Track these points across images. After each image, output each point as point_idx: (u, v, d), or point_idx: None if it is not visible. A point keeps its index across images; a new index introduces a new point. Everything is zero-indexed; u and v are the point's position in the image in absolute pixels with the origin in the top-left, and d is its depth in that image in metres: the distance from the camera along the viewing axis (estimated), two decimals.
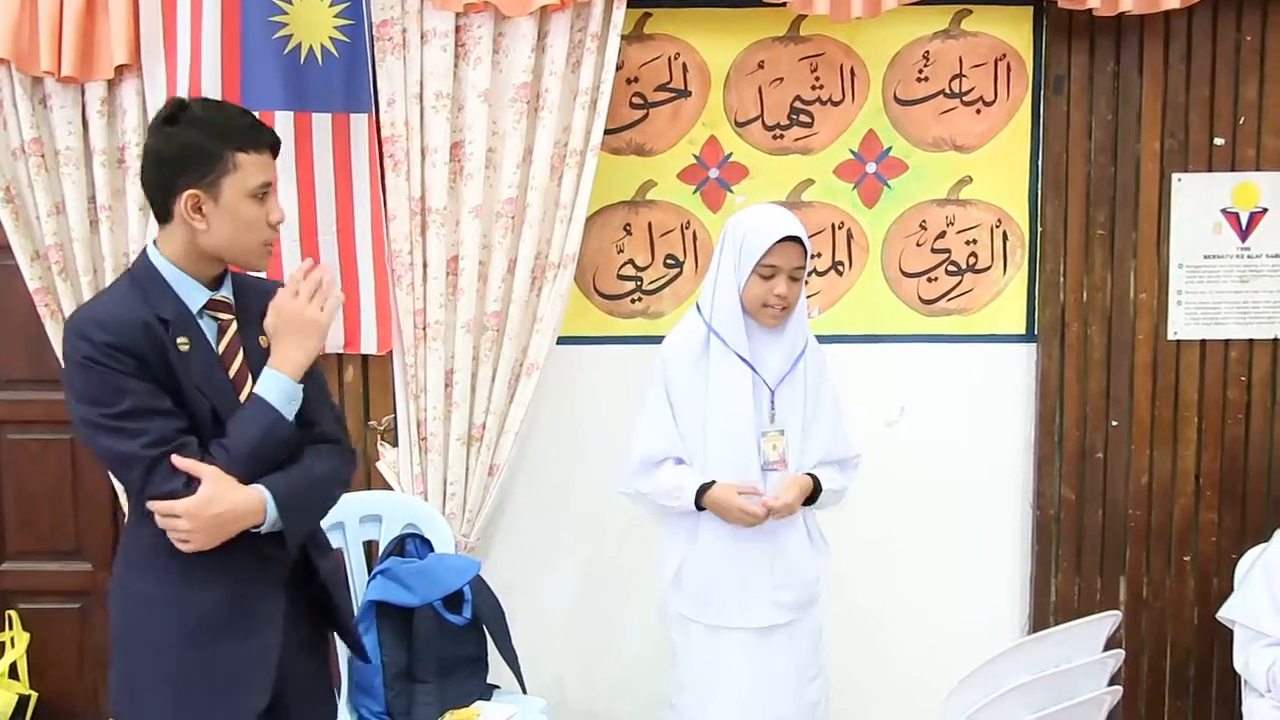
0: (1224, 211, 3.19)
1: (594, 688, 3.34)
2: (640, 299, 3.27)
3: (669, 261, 3.26)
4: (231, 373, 1.96)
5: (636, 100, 3.20)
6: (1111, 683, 2.28)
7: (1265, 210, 3.18)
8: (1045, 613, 3.26)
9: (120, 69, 2.96)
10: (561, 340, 3.16)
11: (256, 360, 1.98)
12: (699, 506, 2.50)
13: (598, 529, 3.29)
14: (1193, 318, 3.21)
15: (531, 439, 3.23)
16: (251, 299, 2.03)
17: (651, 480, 2.55)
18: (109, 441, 1.86)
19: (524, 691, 2.89)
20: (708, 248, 3.22)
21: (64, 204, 3.04)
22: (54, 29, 2.91)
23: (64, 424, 3.21)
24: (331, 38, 2.94)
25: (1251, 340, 3.21)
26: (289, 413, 1.93)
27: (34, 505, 3.30)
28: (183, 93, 2.91)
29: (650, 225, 3.25)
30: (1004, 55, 3.19)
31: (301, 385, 1.95)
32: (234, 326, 1.99)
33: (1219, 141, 3.17)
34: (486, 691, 2.87)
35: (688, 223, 3.24)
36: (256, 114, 2.06)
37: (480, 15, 2.97)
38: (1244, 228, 3.20)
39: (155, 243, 1.98)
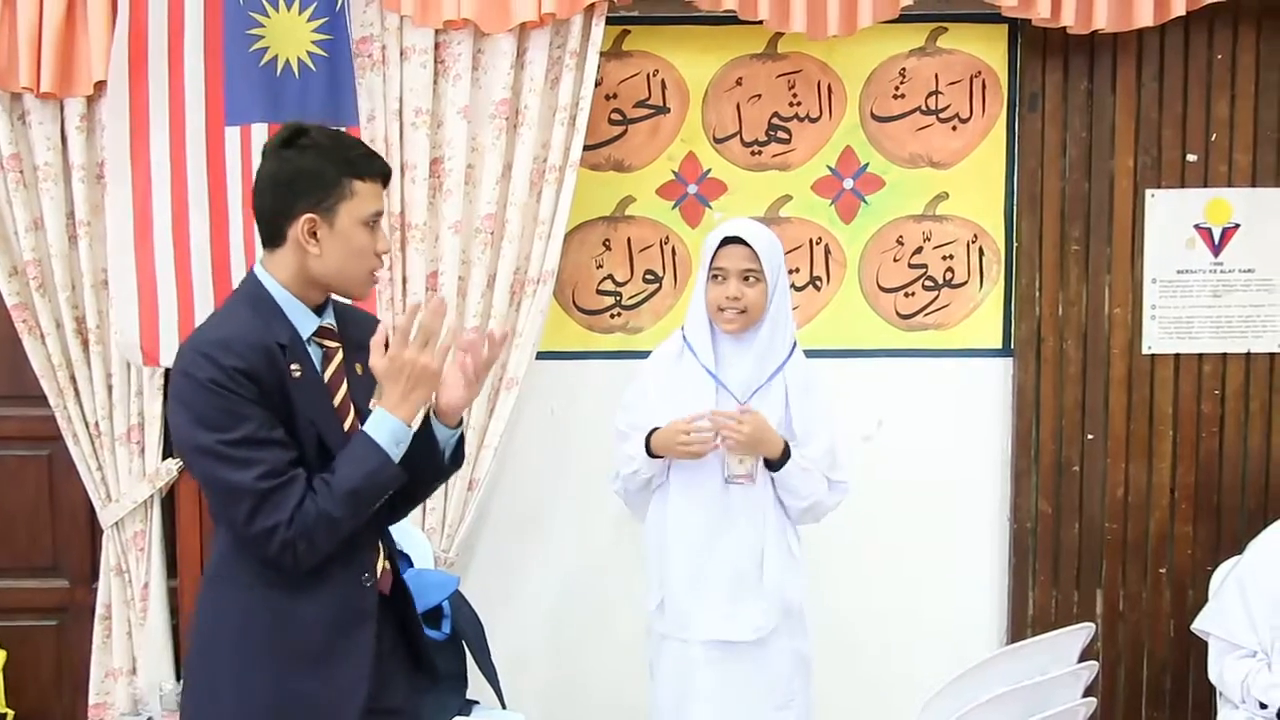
0: (1197, 227, 3.23)
1: (573, 703, 3.33)
2: (619, 314, 3.29)
3: (648, 277, 3.27)
4: (336, 401, 1.94)
5: (615, 116, 3.22)
6: (1087, 694, 2.29)
7: (1237, 226, 3.22)
8: (1022, 625, 3.27)
9: (100, 85, 2.96)
10: (541, 355, 3.17)
11: (358, 390, 1.97)
12: (652, 455, 2.53)
13: (577, 544, 3.30)
14: (1166, 332, 3.24)
15: (511, 454, 3.23)
16: (351, 328, 2.01)
17: (618, 460, 2.61)
18: (222, 470, 1.81)
19: (503, 707, 2.89)
20: (686, 263, 3.24)
21: (42, 219, 3.04)
22: (33, 45, 2.91)
23: (42, 440, 3.21)
24: (310, 52, 2.94)
25: (1225, 354, 3.24)
26: (396, 455, 1.87)
27: (11, 522, 3.28)
28: (161, 105, 2.91)
29: (629, 241, 3.26)
30: (979, 73, 3.23)
31: (412, 430, 1.90)
32: (340, 355, 1.96)
33: (1191, 158, 3.21)
34: (466, 707, 2.86)
35: (667, 238, 3.26)
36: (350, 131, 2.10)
37: (460, 32, 2.99)
38: (1216, 243, 3.23)
39: (262, 265, 1.94)
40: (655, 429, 2.53)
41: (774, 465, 2.53)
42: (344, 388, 1.96)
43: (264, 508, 1.81)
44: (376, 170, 1.94)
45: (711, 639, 2.54)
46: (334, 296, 2.00)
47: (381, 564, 2.01)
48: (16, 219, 3.03)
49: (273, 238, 1.92)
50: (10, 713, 3.21)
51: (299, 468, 1.85)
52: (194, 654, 1.99)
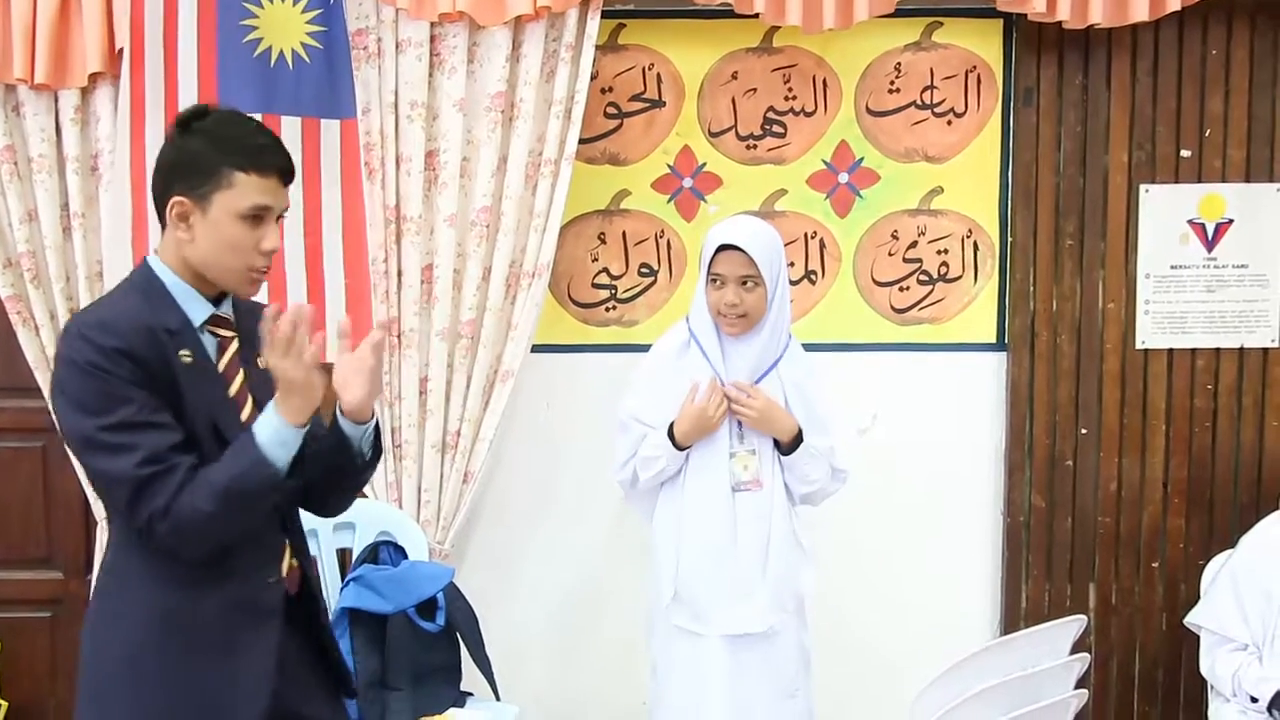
0: (1190, 222, 3.23)
1: (568, 695, 3.34)
2: (614, 307, 3.29)
3: (643, 270, 3.28)
4: (232, 391, 1.90)
5: (611, 110, 3.22)
6: (1078, 686, 2.30)
7: (1231, 221, 3.23)
8: (1015, 619, 3.28)
9: (94, 77, 2.95)
10: (536, 348, 3.18)
11: (257, 382, 1.91)
12: (680, 447, 2.54)
13: (572, 536, 3.30)
14: (1160, 327, 3.25)
15: (506, 447, 3.24)
16: (246, 319, 1.95)
17: (635, 459, 2.59)
18: (101, 458, 1.77)
19: (497, 699, 2.90)
20: (682, 257, 3.24)
21: (37, 211, 3.03)
22: (27, 36, 2.91)
23: (36, 431, 3.20)
24: (303, 43, 2.94)
25: (1218, 349, 3.25)
26: (279, 458, 1.78)
27: (5, 513, 3.28)
28: (157, 97, 2.91)
29: (624, 234, 3.26)
30: (974, 67, 3.23)
31: (304, 430, 1.81)
32: (234, 345, 1.92)
33: (1186, 153, 3.21)
34: (460, 699, 2.86)
35: (662, 232, 3.26)
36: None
37: (455, 25, 2.99)
38: (1210, 238, 3.24)
39: (156, 252, 1.92)
40: (673, 423, 2.54)
41: (786, 449, 2.56)
42: (240, 377, 1.91)
43: (143, 495, 1.75)
44: (266, 164, 1.85)
45: (727, 633, 2.55)
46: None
47: (288, 563, 1.96)
48: (10, 211, 3.03)
49: (161, 220, 1.89)
50: (5, 704, 3.21)
51: (186, 454, 1.79)
52: (82, 663, 1.90)
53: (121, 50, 2.93)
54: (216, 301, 1.91)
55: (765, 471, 2.57)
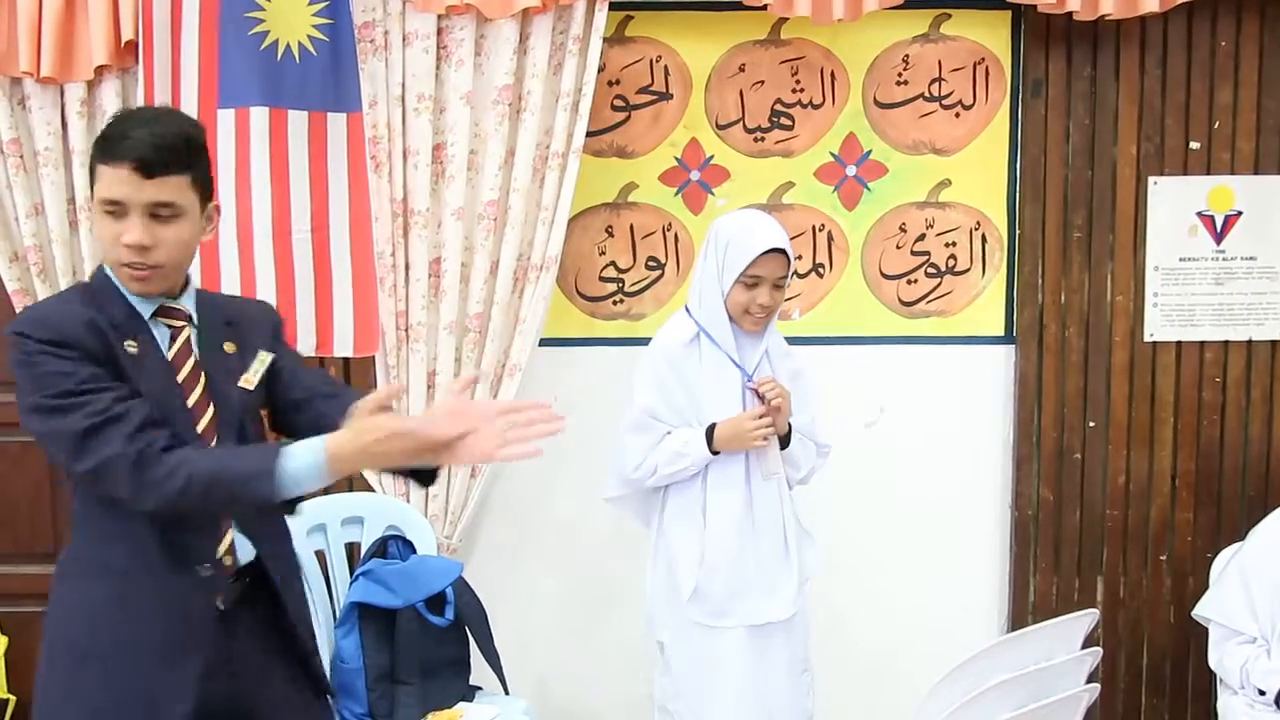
0: (1199, 214, 3.23)
1: (576, 688, 3.34)
2: (622, 301, 3.28)
3: (650, 263, 3.27)
4: (180, 377, 1.89)
5: (618, 103, 3.21)
6: (1089, 680, 2.30)
7: (1240, 213, 3.22)
8: (1023, 612, 3.28)
9: (100, 70, 2.94)
10: (543, 342, 3.17)
11: (217, 367, 1.93)
12: (713, 452, 2.53)
13: (580, 530, 3.30)
14: (1169, 320, 3.24)
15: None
16: (209, 312, 1.97)
17: (655, 454, 2.57)
18: (48, 424, 1.77)
19: (506, 692, 2.90)
20: (689, 250, 3.23)
21: (43, 205, 3.03)
22: (33, 30, 2.89)
23: None
24: (310, 36, 2.93)
25: (1226, 342, 3.25)
26: (287, 488, 1.73)
27: (12, 508, 3.28)
28: (165, 90, 2.90)
29: (632, 227, 3.26)
30: (983, 59, 3.22)
31: (320, 478, 1.75)
32: (185, 332, 1.91)
33: (1194, 145, 3.20)
34: (469, 693, 2.87)
35: (669, 225, 3.25)
36: (153, 126, 1.85)
37: (462, 18, 2.97)
38: (1219, 231, 3.23)
39: None
40: (713, 425, 2.53)
41: (782, 442, 2.60)
42: (189, 363, 1.90)
43: (90, 444, 1.74)
44: (115, 155, 1.79)
45: (753, 623, 2.57)
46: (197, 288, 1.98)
47: (226, 548, 1.91)
48: (17, 204, 3.02)
49: None
50: (12, 698, 3.21)
51: (132, 402, 1.78)
52: (41, 661, 1.91)
53: (129, 43, 2.92)
54: (174, 294, 1.92)
55: (775, 459, 2.60)
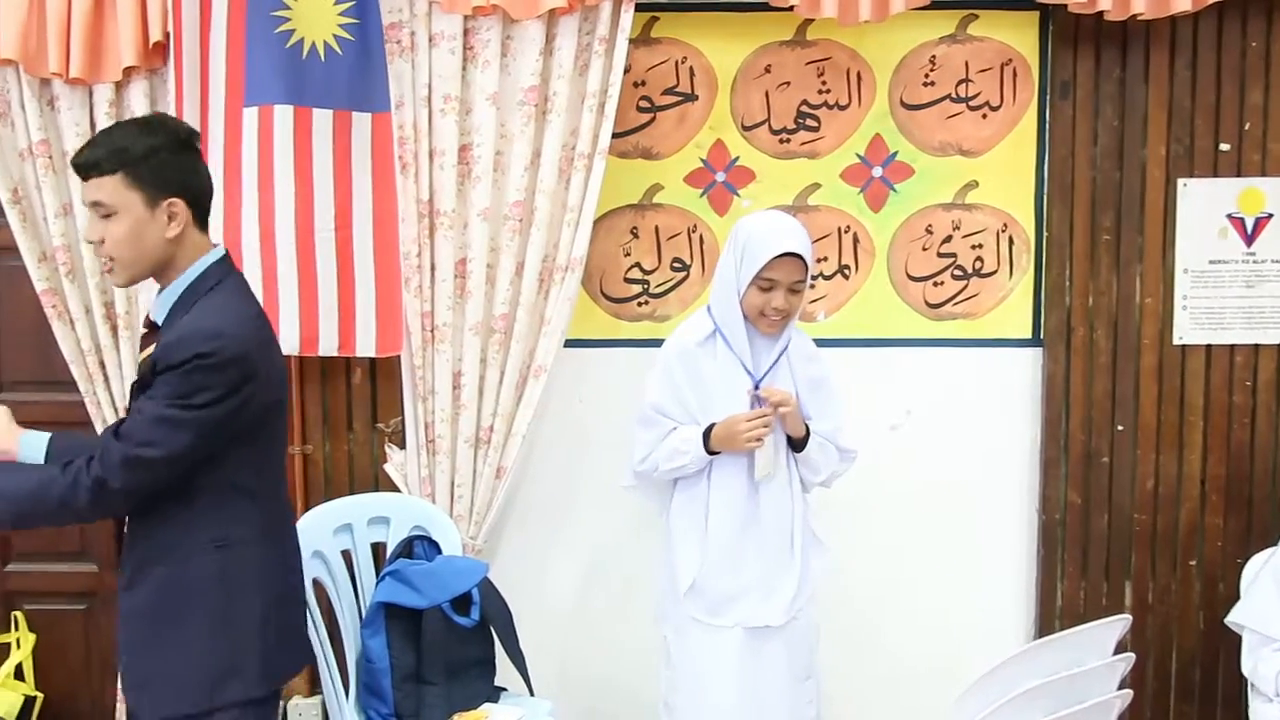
0: (1229, 217, 3.20)
1: (601, 690, 3.33)
2: (647, 302, 3.28)
3: (676, 265, 3.26)
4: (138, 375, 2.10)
5: (644, 104, 3.21)
6: (1120, 686, 2.28)
7: (1270, 215, 3.19)
8: (1051, 617, 3.26)
9: (128, 71, 2.96)
10: (568, 343, 3.17)
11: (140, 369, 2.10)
12: (710, 452, 2.53)
13: (605, 531, 3.29)
14: (1198, 323, 3.22)
15: (539, 441, 3.23)
16: (171, 321, 2.07)
17: (658, 450, 2.57)
18: None
19: (531, 693, 2.89)
20: (714, 251, 3.23)
21: (71, 205, 3.04)
22: (62, 31, 2.91)
23: (71, 425, 3.19)
24: (336, 35, 2.93)
25: (1257, 345, 3.22)
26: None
27: None
28: (193, 90, 2.91)
29: (657, 229, 3.25)
30: (1010, 60, 3.20)
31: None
32: (150, 348, 2.06)
33: (1224, 147, 3.17)
34: (494, 693, 2.86)
35: (694, 226, 3.25)
36: (110, 133, 2.07)
37: (488, 18, 2.98)
38: (1249, 233, 3.20)
39: None
40: (712, 426, 2.53)
41: (798, 445, 2.57)
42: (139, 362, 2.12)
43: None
44: (72, 161, 2.06)
45: (751, 624, 2.56)
46: (180, 290, 2.08)
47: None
48: (46, 205, 3.04)
49: None
50: (40, 695, 3.23)
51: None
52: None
53: (157, 44, 2.93)
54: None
55: (780, 457, 2.57)
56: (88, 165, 2.01)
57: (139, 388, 2.05)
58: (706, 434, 2.52)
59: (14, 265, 3.13)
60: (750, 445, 2.49)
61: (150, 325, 2.11)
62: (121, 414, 3.09)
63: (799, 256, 2.46)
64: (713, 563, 2.56)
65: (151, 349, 2.03)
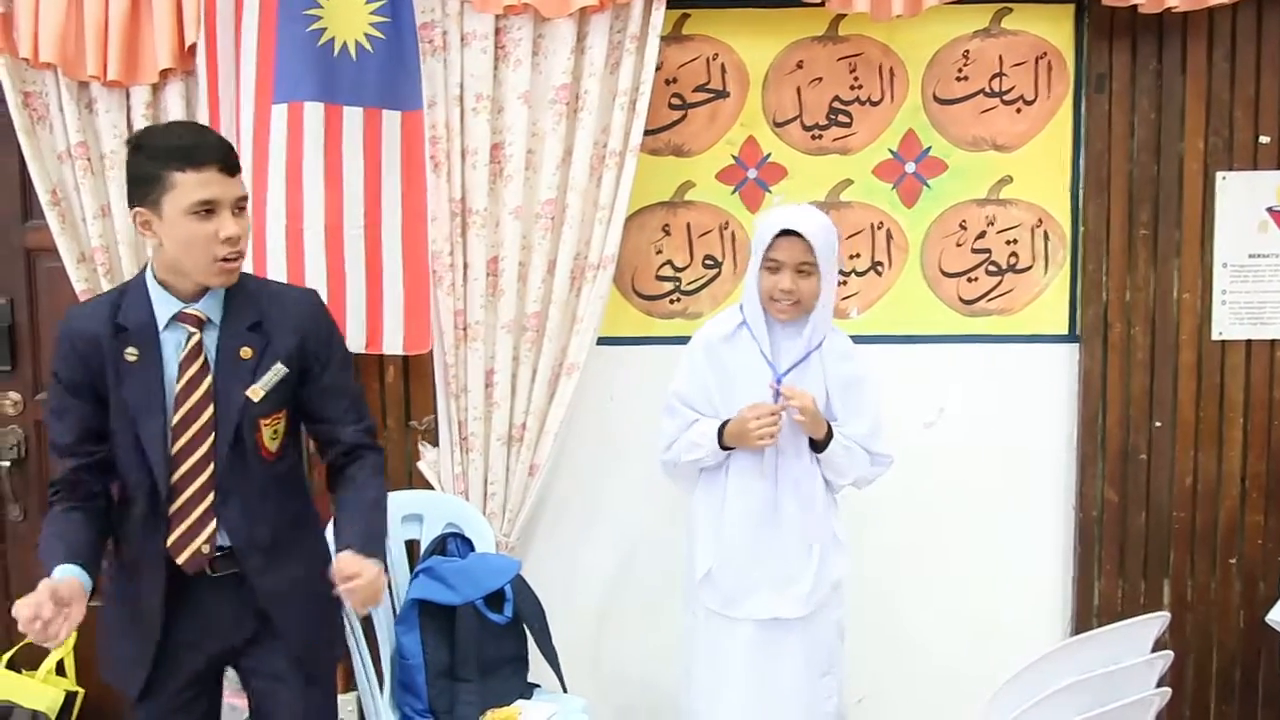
0: (1269, 210, 3.16)
1: (635, 686, 3.33)
2: (679, 299, 3.27)
3: (707, 262, 3.26)
4: (181, 381, 2.07)
5: (675, 101, 3.21)
6: (1159, 684, 2.25)
7: None
8: (1088, 615, 3.23)
9: (165, 73, 2.99)
10: (601, 341, 3.17)
11: (229, 372, 2.09)
12: (724, 447, 2.54)
13: (637, 528, 3.29)
14: (1238, 318, 3.17)
15: (571, 439, 3.24)
16: (238, 312, 2.11)
17: (679, 441, 2.61)
18: (50, 423, 2.15)
19: (564, 690, 2.90)
20: (746, 248, 3.22)
21: (109, 207, 3.08)
22: (99, 34, 2.94)
23: None
24: (367, 34, 2.94)
25: None
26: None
27: None
28: (229, 89, 2.94)
29: (689, 226, 3.25)
30: (1045, 54, 3.17)
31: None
32: (196, 336, 2.08)
33: (1264, 139, 3.13)
34: (527, 690, 2.87)
35: (726, 223, 3.24)
36: (220, 134, 2.15)
37: (520, 17, 2.98)
38: None
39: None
40: (727, 421, 2.53)
41: (819, 446, 2.55)
42: (195, 365, 2.08)
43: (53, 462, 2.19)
44: (199, 160, 2.00)
45: (762, 617, 2.56)
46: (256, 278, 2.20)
47: (173, 539, 2.14)
48: (84, 206, 3.07)
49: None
50: (82, 691, 3.27)
51: (75, 479, 2.11)
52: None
53: (192, 46, 2.96)
54: (197, 297, 2.09)
55: (805, 466, 2.57)
56: (235, 163, 2.06)
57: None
58: (722, 429, 2.53)
59: (54, 266, 3.17)
60: (760, 444, 2.49)
61: (193, 319, 2.10)
62: None
63: (801, 236, 2.46)
64: (728, 556, 2.58)
65: (245, 344, 2.11)
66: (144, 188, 2.02)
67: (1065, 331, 3.23)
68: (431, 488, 3.16)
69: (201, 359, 2.08)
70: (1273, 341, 3.17)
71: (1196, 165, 3.14)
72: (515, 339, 3.10)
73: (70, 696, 3.23)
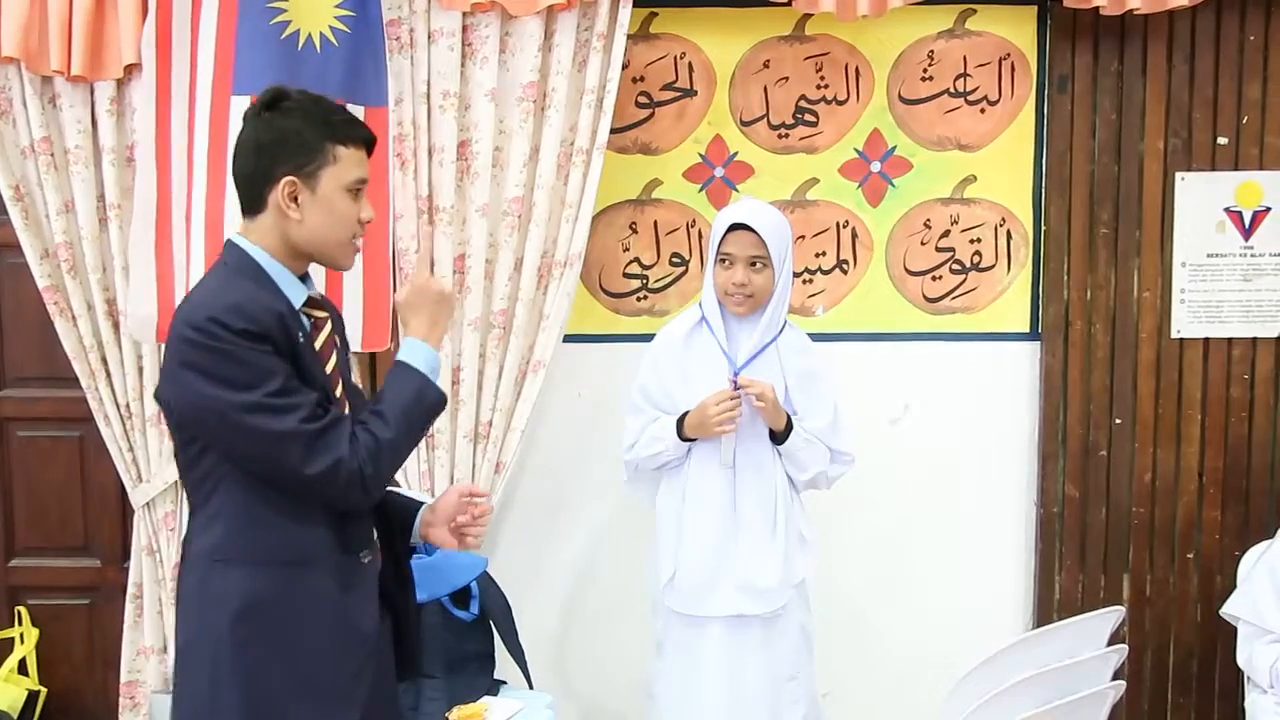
0: (1227, 210, 3.20)
1: (600, 683, 3.35)
2: (646, 297, 3.29)
3: (674, 260, 3.27)
4: (329, 369, 1.92)
5: (642, 99, 3.22)
6: (1115, 678, 2.29)
7: (1268, 209, 3.20)
8: (1049, 610, 3.27)
9: (130, 68, 2.97)
10: (567, 338, 3.18)
11: (345, 362, 2.02)
12: (684, 438, 2.57)
13: (604, 526, 3.31)
14: (1196, 316, 3.22)
15: (537, 437, 3.24)
16: (329, 305, 2.02)
17: (641, 438, 2.63)
18: (267, 422, 1.77)
19: (530, 687, 2.91)
20: None
21: (73, 202, 3.06)
22: (63, 28, 2.92)
23: (73, 421, 3.23)
24: (332, 27, 2.92)
25: (1255, 339, 3.22)
26: (435, 379, 1.94)
27: (43, 502, 3.32)
28: (182, 82, 2.92)
29: (656, 224, 3.26)
30: (1008, 55, 3.21)
31: (440, 359, 1.99)
32: (328, 326, 1.96)
33: (1222, 141, 3.18)
34: (493, 687, 2.88)
35: (693, 221, 3.26)
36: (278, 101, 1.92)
37: (487, 15, 2.99)
38: (1247, 226, 3.21)
39: (243, 235, 1.91)
40: (686, 413, 2.55)
41: (779, 438, 2.57)
42: (333, 358, 1.95)
43: (318, 447, 1.79)
44: (360, 137, 1.91)
45: (726, 614, 2.58)
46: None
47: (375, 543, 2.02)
48: (48, 202, 3.05)
49: (254, 204, 1.89)
50: (44, 690, 3.25)
51: (334, 409, 1.86)
52: (190, 645, 1.89)
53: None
54: (305, 282, 1.95)
55: (765, 456, 2.59)
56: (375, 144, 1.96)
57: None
58: (681, 421, 2.56)
59: (16, 262, 3.15)
60: (720, 430, 2.51)
61: (317, 303, 1.97)
62: (122, 410, 3.11)
63: (752, 230, 2.49)
64: (690, 553, 2.59)
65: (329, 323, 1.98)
66: (301, 157, 1.85)
67: (1027, 329, 3.27)
68: (398, 485, 3.16)
69: (336, 349, 1.97)
70: (1230, 340, 3.22)
71: (1156, 166, 3.18)
72: (482, 336, 3.10)
73: (33, 696, 3.22)
